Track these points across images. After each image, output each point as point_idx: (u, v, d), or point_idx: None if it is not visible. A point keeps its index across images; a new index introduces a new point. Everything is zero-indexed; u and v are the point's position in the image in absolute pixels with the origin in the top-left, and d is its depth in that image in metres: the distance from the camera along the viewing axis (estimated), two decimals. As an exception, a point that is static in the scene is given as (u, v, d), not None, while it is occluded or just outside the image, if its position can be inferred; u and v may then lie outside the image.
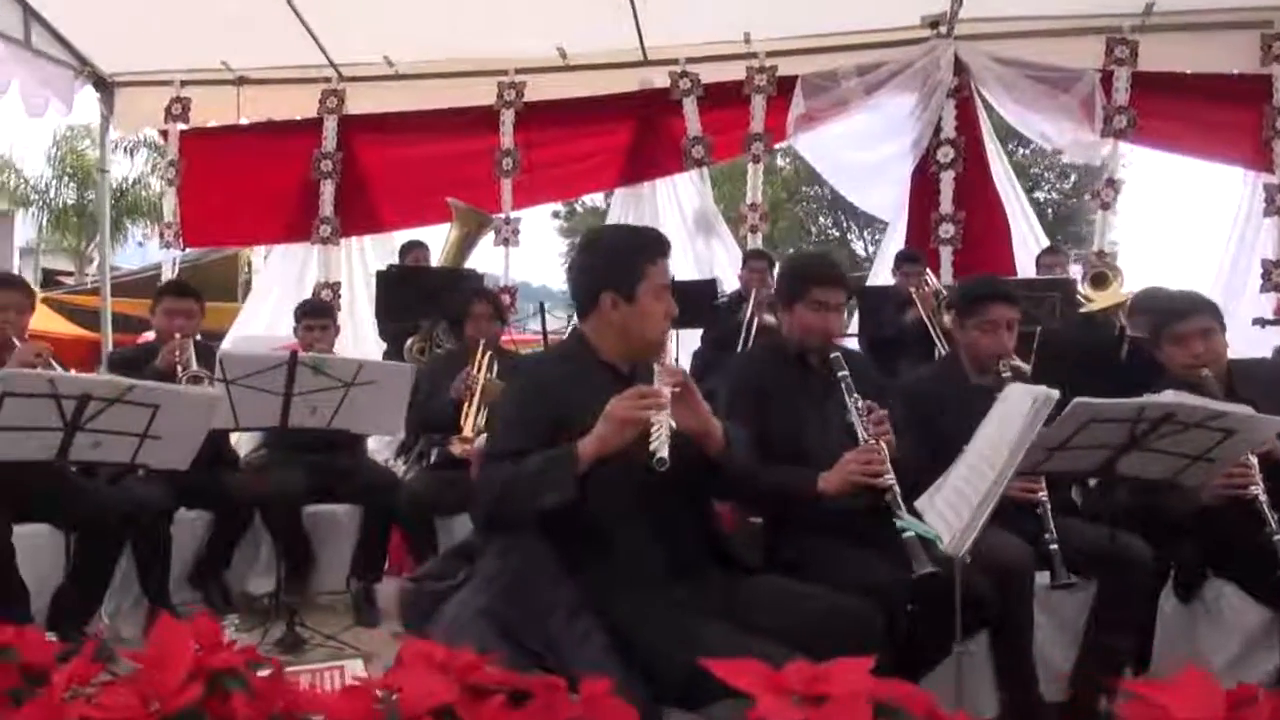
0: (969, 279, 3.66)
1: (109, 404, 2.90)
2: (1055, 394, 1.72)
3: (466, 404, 3.78)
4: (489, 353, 3.92)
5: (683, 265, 6.49)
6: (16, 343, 3.47)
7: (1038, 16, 5.91)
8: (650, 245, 2.10)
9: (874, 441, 2.29)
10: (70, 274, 19.94)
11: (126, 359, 3.91)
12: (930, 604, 2.20)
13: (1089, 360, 3.45)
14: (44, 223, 19.18)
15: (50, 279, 19.20)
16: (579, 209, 23.03)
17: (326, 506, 3.98)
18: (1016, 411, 1.69)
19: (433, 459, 5.26)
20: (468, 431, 3.70)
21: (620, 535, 1.88)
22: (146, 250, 17.89)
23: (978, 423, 2.86)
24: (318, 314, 4.32)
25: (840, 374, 2.42)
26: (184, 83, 7.05)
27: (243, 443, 4.38)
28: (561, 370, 2.01)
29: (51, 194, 16.87)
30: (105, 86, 7.15)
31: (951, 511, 1.71)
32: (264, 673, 1.55)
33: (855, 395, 2.38)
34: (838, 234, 22.44)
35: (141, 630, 3.59)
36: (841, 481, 2.26)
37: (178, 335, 3.86)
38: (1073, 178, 19.16)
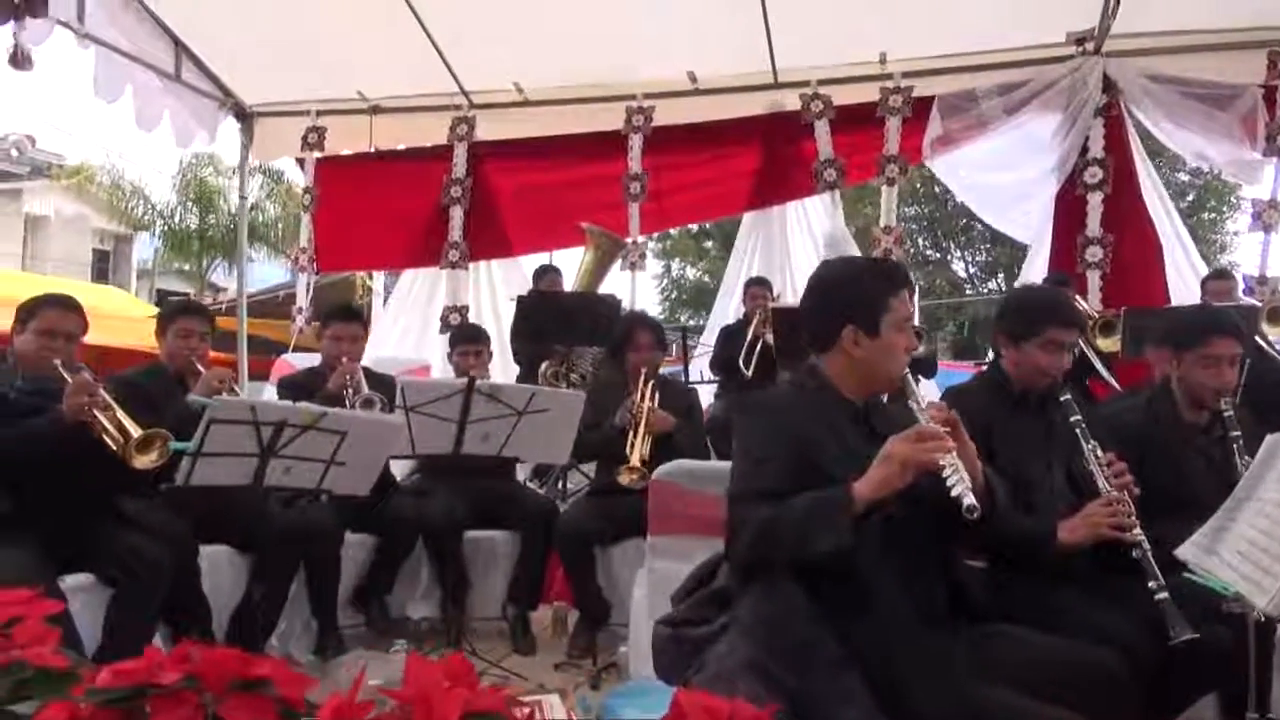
0: (1188, 309, 3.47)
1: (302, 431, 2.96)
2: None
3: (632, 433, 3.74)
4: (652, 381, 3.89)
5: (813, 289, 6.40)
6: (200, 369, 3.59)
7: (1194, 30, 5.65)
8: (892, 278, 2.04)
9: (1117, 493, 2.17)
10: (185, 295, 20.78)
11: (297, 384, 4.00)
12: (1174, 662, 2.07)
13: (1301, 395, 3.24)
14: (160, 246, 20.05)
15: (164, 300, 20.06)
16: (673, 231, 23.08)
17: (485, 533, 3.99)
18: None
19: (568, 484, 5.29)
20: (635, 461, 3.66)
21: (873, 582, 1.80)
22: (251, 271, 18.43)
23: (1195, 462, 2.72)
24: (473, 339, 4.36)
25: (1074, 419, 2.31)
26: (320, 112, 7.25)
27: (396, 467, 4.44)
28: (802, 405, 1.95)
29: (176, 219, 17.63)
30: (245, 117, 7.41)
31: (1254, 567, 1.59)
32: (521, 713, 1.53)
33: (1093, 443, 2.27)
34: (937, 255, 21.98)
35: (310, 651, 3.64)
36: (1087, 533, 2.15)
37: (345, 359, 3.94)
38: (1190, 196, 18.41)
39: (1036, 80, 5.92)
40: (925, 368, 5.39)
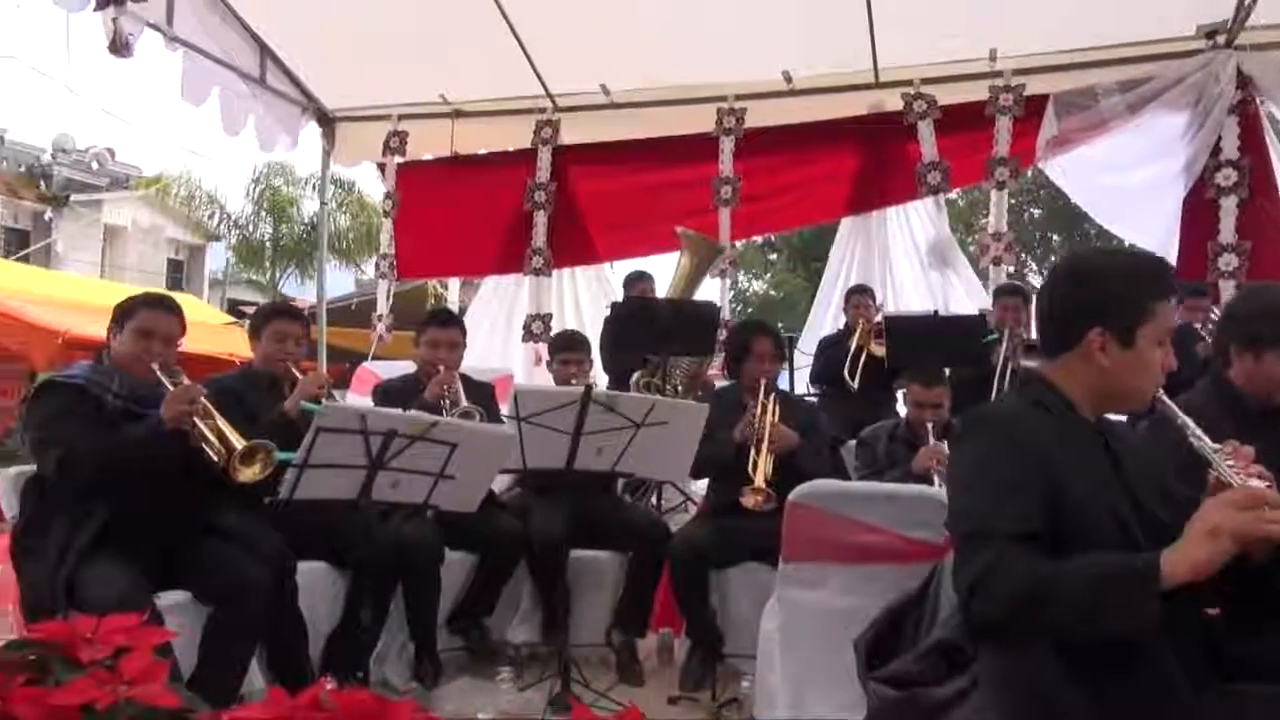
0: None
1: (411, 441, 2.74)
2: None
3: (754, 451, 3.45)
4: (773, 394, 3.59)
5: (914, 298, 6.08)
6: (296, 374, 3.40)
7: (1341, 22, 5.24)
8: (1159, 280, 1.71)
9: None
10: (254, 304, 21.02)
11: (394, 391, 3.79)
12: None
13: None
14: (231, 256, 20.31)
15: (234, 309, 20.34)
16: (737, 243, 22.77)
17: (589, 552, 3.73)
18: None
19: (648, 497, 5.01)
20: (759, 481, 3.36)
21: (1138, 646, 1.48)
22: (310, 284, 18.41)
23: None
24: (576, 347, 4.11)
25: None
26: (401, 116, 7.13)
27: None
28: (1041, 422, 1.64)
29: (251, 228, 17.84)
30: (327, 122, 7.33)
31: None
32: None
33: None
34: (1012, 268, 21.34)
35: (408, 677, 3.41)
36: None
37: (443, 368, 3.73)
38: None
39: (1162, 76, 5.55)
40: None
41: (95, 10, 4.60)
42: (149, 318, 2.88)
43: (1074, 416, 1.67)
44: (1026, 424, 1.62)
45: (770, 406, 3.52)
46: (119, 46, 4.36)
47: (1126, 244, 6.10)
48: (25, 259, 17.74)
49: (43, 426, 2.74)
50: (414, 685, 3.29)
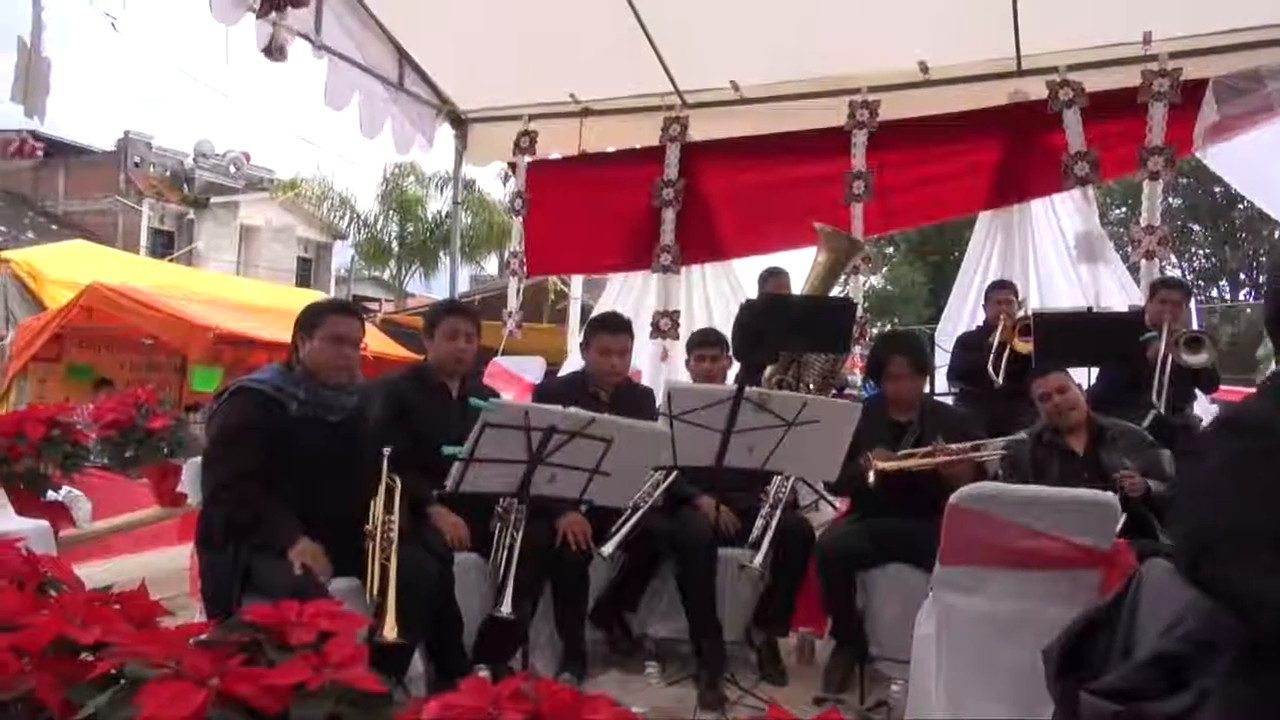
0: None
1: (570, 437, 2.79)
2: None
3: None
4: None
5: (1063, 293, 5.84)
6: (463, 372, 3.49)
7: None
8: None
9: None
10: (375, 300, 21.80)
11: (555, 394, 3.83)
12: None
13: None
14: (356, 254, 21.11)
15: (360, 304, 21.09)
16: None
17: (732, 550, 3.71)
18: None
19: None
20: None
21: None
22: (441, 277, 18.89)
23: None
24: (714, 343, 4.10)
25: None
26: (531, 116, 7.25)
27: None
28: None
29: (378, 227, 18.51)
30: (460, 123, 7.53)
31: None
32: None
33: None
34: (1167, 262, 20.37)
35: (556, 668, 3.48)
36: None
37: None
38: None
39: (1336, 55, 5.18)
40: (1206, 381, 4.73)
41: (258, 18, 4.84)
42: (338, 323, 2.95)
43: None
44: (1267, 426, 1.52)
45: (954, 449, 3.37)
46: (274, 51, 4.56)
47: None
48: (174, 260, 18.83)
49: (218, 441, 2.85)
50: (565, 676, 3.35)
